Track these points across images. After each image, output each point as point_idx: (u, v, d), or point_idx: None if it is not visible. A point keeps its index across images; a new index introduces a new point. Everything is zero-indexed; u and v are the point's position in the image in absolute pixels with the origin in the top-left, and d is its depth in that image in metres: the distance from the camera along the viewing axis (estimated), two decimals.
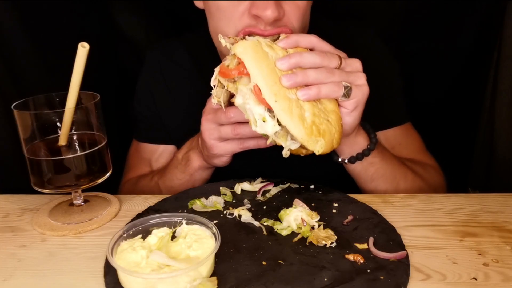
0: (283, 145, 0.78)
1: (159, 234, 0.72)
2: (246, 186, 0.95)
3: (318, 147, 0.76)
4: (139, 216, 0.86)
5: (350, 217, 0.83)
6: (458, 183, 1.28)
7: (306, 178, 0.97)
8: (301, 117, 0.73)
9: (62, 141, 0.86)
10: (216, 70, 0.80)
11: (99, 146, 0.89)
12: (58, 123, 0.86)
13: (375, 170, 0.96)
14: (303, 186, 0.95)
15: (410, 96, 1.16)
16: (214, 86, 0.81)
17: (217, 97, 0.82)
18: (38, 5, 1.21)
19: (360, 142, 0.92)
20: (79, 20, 1.36)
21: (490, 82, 1.20)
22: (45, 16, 1.26)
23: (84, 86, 0.86)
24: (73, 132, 0.87)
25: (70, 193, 0.92)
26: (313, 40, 0.79)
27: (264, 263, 0.71)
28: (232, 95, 0.82)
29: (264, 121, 0.75)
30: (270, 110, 0.74)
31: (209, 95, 1.13)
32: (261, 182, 0.96)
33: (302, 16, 0.91)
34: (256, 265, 0.70)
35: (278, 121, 0.74)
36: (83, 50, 0.82)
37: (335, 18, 1.14)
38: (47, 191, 0.87)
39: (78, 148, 0.87)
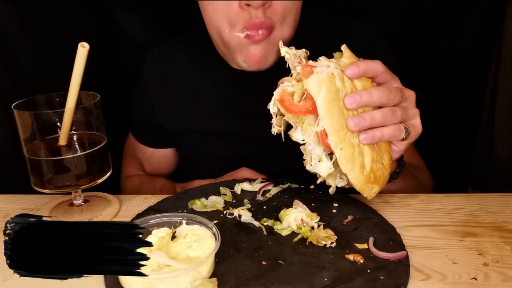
0: (332, 184, 0.78)
1: (159, 234, 0.71)
2: (246, 186, 0.95)
3: (372, 193, 0.76)
4: (139, 216, 0.86)
5: (350, 217, 0.83)
6: (458, 183, 1.28)
7: (305, 177, 0.96)
8: (361, 165, 0.72)
9: (62, 141, 0.86)
10: (276, 94, 0.75)
11: (99, 146, 0.89)
12: (58, 123, 0.86)
13: (395, 188, 0.95)
14: (303, 186, 0.95)
15: None
16: (274, 114, 0.76)
17: (277, 126, 0.77)
18: (38, 5, 1.21)
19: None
20: (79, 20, 1.36)
21: (490, 82, 1.20)
22: (45, 16, 1.26)
23: (84, 86, 0.86)
24: (73, 132, 0.87)
25: (70, 193, 0.92)
26: (378, 69, 0.76)
27: (264, 263, 0.71)
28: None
29: (319, 161, 0.74)
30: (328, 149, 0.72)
31: (209, 93, 1.13)
32: (261, 182, 0.96)
33: (289, 9, 0.93)
34: (256, 265, 0.70)
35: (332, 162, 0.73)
36: (83, 50, 0.82)
37: (337, 15, 1.14)
38: (47, 191, 0.87)
39: (78, 148, 0.87)
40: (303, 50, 0.75)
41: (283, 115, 0.75)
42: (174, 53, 1.18)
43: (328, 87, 0.69)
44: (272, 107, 0.75)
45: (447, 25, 1.37)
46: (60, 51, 1.07)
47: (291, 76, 0.75)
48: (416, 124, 0.80)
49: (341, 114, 0.70)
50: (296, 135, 0.74)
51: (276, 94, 0.75)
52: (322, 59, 0.74)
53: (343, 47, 0.77)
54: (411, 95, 0.81)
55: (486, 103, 1.22)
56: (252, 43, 0.93)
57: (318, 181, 0.78)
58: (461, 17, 1.35)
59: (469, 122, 1.36)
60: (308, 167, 0.76)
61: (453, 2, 1.32)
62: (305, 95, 0.72)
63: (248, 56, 0.95)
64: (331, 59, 0.75)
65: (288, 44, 1.04)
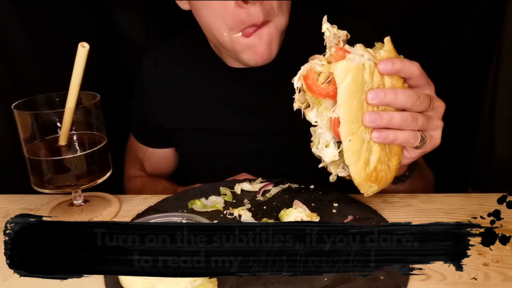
0: (333, 172, 0.76)
1: None
2: (246, 186, 0.95)
3: (369, 192, 0.75)
4: (139, 216, 0.86)
5: (350, 217, 0.83)
6: (458, 183, 1.27)
7: (306, 176, 0.96)
8: (366, 162, 0.71)
9: (62, 141, 0.86)
10: (303, 69, 0.72)
11: (99, 146, 0.89)
12: (58, 123, 0.86)
13: (403, 189, 0.94)
14: (303, 186, 0.95)
15: None
16: (297, 89, 0.74)
17: (299, 102, 0.75)
18: (38, 5, 1.22)
19: (400, 169, 0.89)
20: (79, 20, 1.36)
21: (490, 82, 1.20)
22: (45, 16, 1.26)
23: (84, 86, 0.86)
24: (73, 132, 0.87)
25: (70, 193, 0.92)
26: (413, 72, 0.72)
27: None
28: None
29: (326, 146, 0.72)
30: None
31: (208, 91, 1.13)
32: (261, 182, 0.96)
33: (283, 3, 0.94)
34: None
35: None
36: (83, 50, 0.82)
37: (333, 13, 1.14)
38: (47, 191, 0.87)
39: (78, 148, 0.87)
40: (345, 32, 0.72)
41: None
42: (173, 53, 1.18)
43: (354, 77, 0.67)
44: (297, 81, 0.73)
45: (447, 25, 1.36)
46: (60, 51, 1.07)
47: (324, 55, 0.73)
48: (435, 136, 0.77)
49: (359, 107, 0.68)
50: (310, 115, 0.72)
51: (303, 69, 0.72)
52: (359, 47, 0.71)
53: (386, 39, 0.74)
54: (440, 106, 0.78)
55: (486, 103, 1.22)
56: (249, 37, 0.91)
57: (320, 165, 0.77)
58: (461, 17, 1.35)
59: (469, 122, 1.36)
60: (313, 150, 0.74)
61: (453, 2, 1.32)
62: (330, 78, 0.70)
63: (255, 54, 0.94)
64: (368, 49, 0.72)
65: (284, 36, 1.04)
